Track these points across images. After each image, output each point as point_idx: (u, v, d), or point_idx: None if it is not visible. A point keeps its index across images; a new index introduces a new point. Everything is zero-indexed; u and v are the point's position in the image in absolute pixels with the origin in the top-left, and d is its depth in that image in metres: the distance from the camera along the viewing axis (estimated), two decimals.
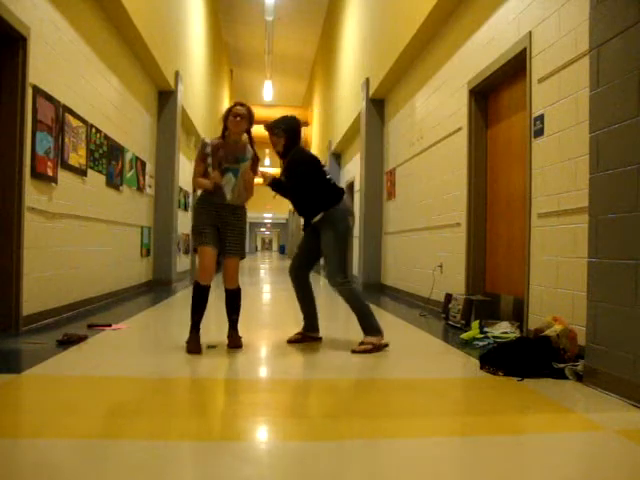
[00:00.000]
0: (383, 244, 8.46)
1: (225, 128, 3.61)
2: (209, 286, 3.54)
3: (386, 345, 3.62)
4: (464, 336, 4.00)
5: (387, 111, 8.51)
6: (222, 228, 3.54)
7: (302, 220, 3.86)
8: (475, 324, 4.08)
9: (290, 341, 3.84)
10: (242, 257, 3.61)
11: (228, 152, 3.54)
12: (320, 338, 3.90)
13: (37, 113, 4.11)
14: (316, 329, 3.90)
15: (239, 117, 3.53)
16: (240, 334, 3.65)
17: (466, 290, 5.05)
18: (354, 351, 3.49)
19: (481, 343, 3.77)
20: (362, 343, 3.55)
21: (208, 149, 3.53)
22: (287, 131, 3.72)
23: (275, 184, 3.85)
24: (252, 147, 3.65)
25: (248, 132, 3.64)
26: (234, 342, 3.58)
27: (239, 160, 3.55)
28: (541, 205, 3.78)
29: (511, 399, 2.57)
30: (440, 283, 5.73)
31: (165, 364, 3.15)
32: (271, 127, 3.73)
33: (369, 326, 3.60)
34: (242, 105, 3.61)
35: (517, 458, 1.87)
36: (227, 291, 3.63)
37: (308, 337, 3.86)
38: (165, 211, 8.42)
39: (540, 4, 3.85)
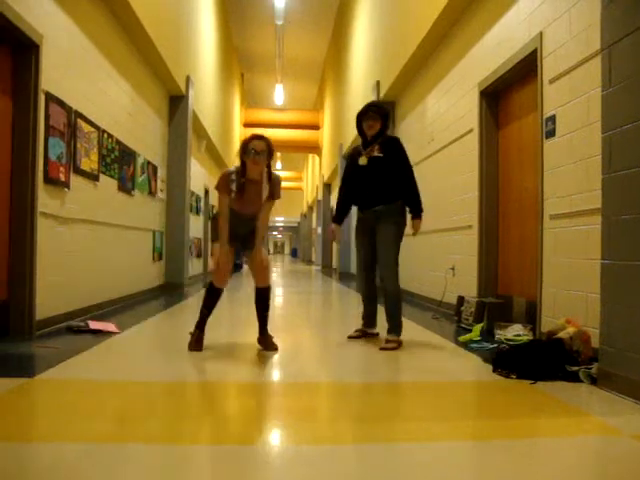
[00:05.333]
0: None
1: (243, 164, 3.35)
2: None
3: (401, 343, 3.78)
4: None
5: (398, 113, 8.49)
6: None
7: (355, 222, 4.05)
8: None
9: (351, 337, 4.05)
10: None
11: (248, 193, 3.36)
12: (377, 334, 4.09)
13: (49, 119, 4.16)
14: (374, 325, 4.13)
15: (258, 154, 3.28)
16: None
17: (478, 292, 5.02)
18: (383, 349, 3.64)
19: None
20: (389, 341, 3.71)
21: (233, 186, 3.34)
22: (384, 115, 3.88)
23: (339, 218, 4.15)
24: (269, 183, 3.41)
25: (268, 166, 3.40)
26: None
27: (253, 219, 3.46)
28: (553, 206, 3.75)
29: (524, 402, 2.54)
30: (452, 285, 5.69)
31: (177, 368, 3.16)
32: (370, 108, 3.87)
33: (398, 325, 3.79)
34: (260, 139, 3.33)
35: (531, 462, 1.85)
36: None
37: (368, 334, 4.09)
38: (177, 215, 8.47)
39: (551, 4, 3.82)
